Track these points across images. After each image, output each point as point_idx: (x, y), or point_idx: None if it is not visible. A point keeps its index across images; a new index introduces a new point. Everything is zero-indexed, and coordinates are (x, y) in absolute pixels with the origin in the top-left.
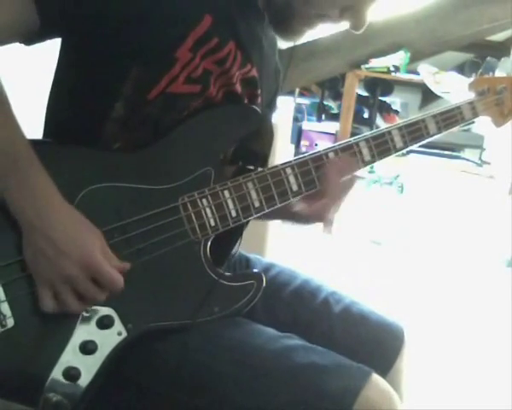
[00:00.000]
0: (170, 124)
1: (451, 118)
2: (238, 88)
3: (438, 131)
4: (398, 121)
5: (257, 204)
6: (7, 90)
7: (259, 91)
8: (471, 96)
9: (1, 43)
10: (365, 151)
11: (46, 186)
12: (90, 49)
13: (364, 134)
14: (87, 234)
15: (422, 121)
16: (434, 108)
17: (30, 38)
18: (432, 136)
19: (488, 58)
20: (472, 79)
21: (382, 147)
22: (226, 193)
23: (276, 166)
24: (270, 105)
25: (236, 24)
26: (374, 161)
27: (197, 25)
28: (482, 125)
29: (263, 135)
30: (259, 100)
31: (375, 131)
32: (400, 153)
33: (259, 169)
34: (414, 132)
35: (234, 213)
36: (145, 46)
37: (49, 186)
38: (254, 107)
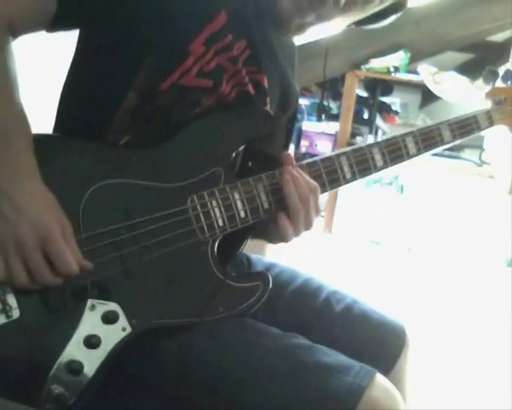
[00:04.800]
0: (181, 119)
1: (467, 126)
2: (251, 89)
3: (452, 139)
4: (398, 121)
5: (266, 206)
6: (19, 75)
7: (268, 99)
8: (488, 104)
9: (20, 31)
10: (378, 157)
11: (29, 163)
12: (105, 38)
13: (377, 140)
14: (55, 213)
15: (437, 129)
16: (434, 109)
17: (48, 26)
18: (446, 143)
19: (509, 68)
20: (490, 88)
21: (395, 153)
22: (236, 194)
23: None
24: (283, 112)
25: (251, 25)
26: (386, 167)
27: (213, 20)
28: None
29: (275, 137)
30: (268, 107)
31: (388, 137)
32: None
33: (270, 171)
34: (428, 140)
35: (242, 214)
36: (160, 37)
37: (33, 165)
38: (268, 109)
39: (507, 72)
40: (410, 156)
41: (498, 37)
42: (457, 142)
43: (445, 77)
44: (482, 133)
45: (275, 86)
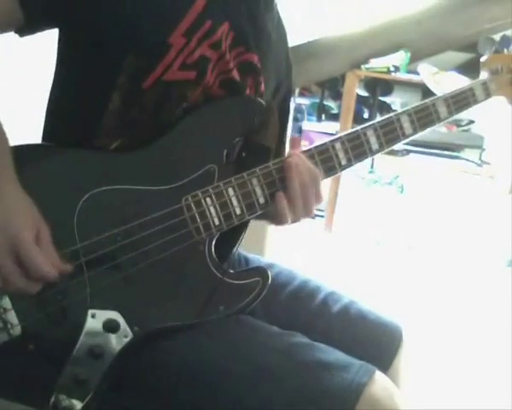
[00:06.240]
0: (169, 116)
1: (463, 100)
2: (236, 75)
3: (449, 114)
4: None
5: (262, 200)
6: None
7: (262, 78)
8: (484, 75)
9: None
10: (373, 140)
11: (5, 167)
12: (83, 39)
13: (372, 122)
14: (28, 217)
15: (433, 105)
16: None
17: (20, 30)
18: (443, 120)
19: (503, 33)
20: (485, 57)
21: (391, 134)
22: (230, 191)
23: (282, 160)
24: (277, 96)
25: (233, 6)
26: (382, 150)
27: (189, 8)
28: (482, 125)
29: (267, 127)
30: (263, 88)
31: (382, 118)
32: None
33: (264, 164)
34: (424, 117)
35: (238, 211)
36: (137, 35)
37: (9, 169)
38: (258, 98)
39: (503, 37)
40: (405, 136)
41: (498, 36)
42: (454, 117)
43: (446, 77)
44: (483, 133)
45: (269, 64)
